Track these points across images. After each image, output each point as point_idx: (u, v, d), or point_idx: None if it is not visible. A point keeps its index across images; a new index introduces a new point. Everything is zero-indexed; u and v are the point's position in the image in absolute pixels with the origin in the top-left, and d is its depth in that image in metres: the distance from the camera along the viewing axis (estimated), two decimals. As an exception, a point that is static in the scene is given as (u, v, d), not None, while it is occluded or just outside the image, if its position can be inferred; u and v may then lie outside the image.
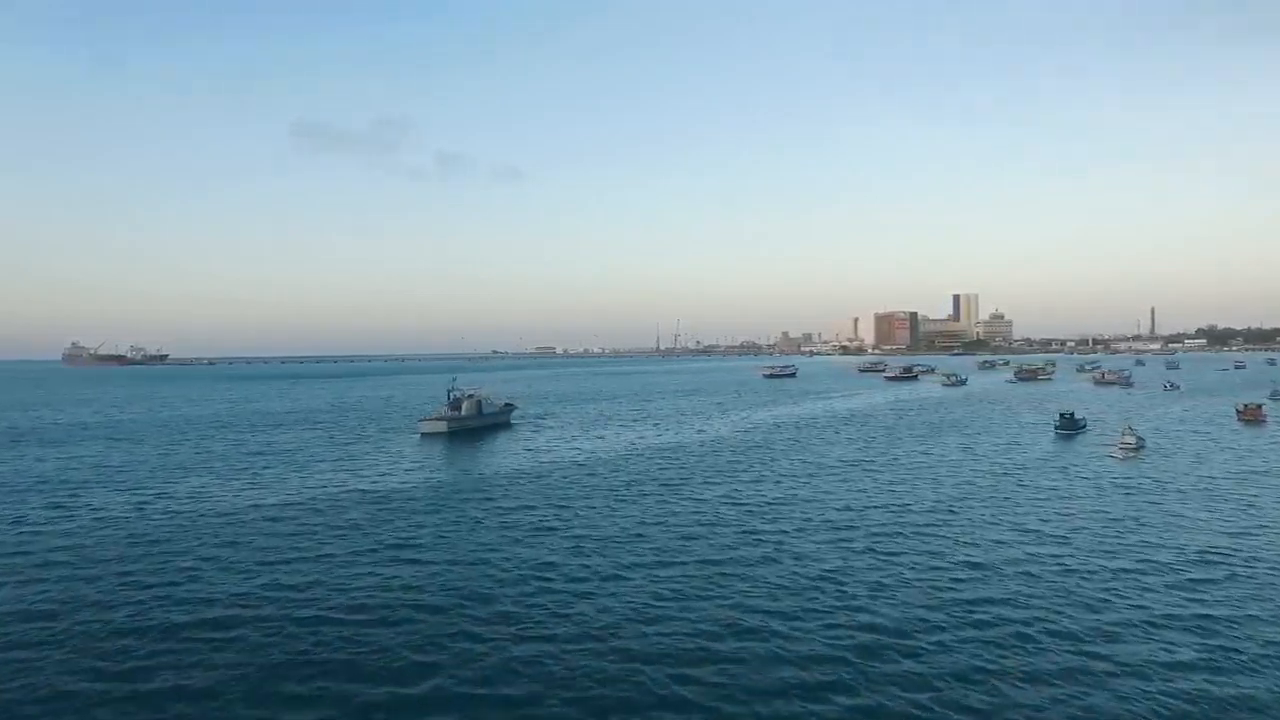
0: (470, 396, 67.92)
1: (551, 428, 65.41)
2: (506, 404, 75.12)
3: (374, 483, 38.27)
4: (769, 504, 31.58)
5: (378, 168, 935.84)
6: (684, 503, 32.05)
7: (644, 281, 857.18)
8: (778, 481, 36.64)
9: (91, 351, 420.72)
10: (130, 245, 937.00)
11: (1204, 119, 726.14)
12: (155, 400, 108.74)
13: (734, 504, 31.55)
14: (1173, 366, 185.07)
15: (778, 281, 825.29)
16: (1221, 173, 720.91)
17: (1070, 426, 55.16)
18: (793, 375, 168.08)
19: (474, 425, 65.79)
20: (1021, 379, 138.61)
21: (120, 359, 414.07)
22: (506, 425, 70.01)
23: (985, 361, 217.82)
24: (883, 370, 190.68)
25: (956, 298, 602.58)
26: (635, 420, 70.29)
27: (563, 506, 32.26)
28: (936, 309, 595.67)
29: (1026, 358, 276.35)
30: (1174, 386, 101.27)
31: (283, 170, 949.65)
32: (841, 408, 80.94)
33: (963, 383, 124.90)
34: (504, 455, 48.81)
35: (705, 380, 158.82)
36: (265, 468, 43.42)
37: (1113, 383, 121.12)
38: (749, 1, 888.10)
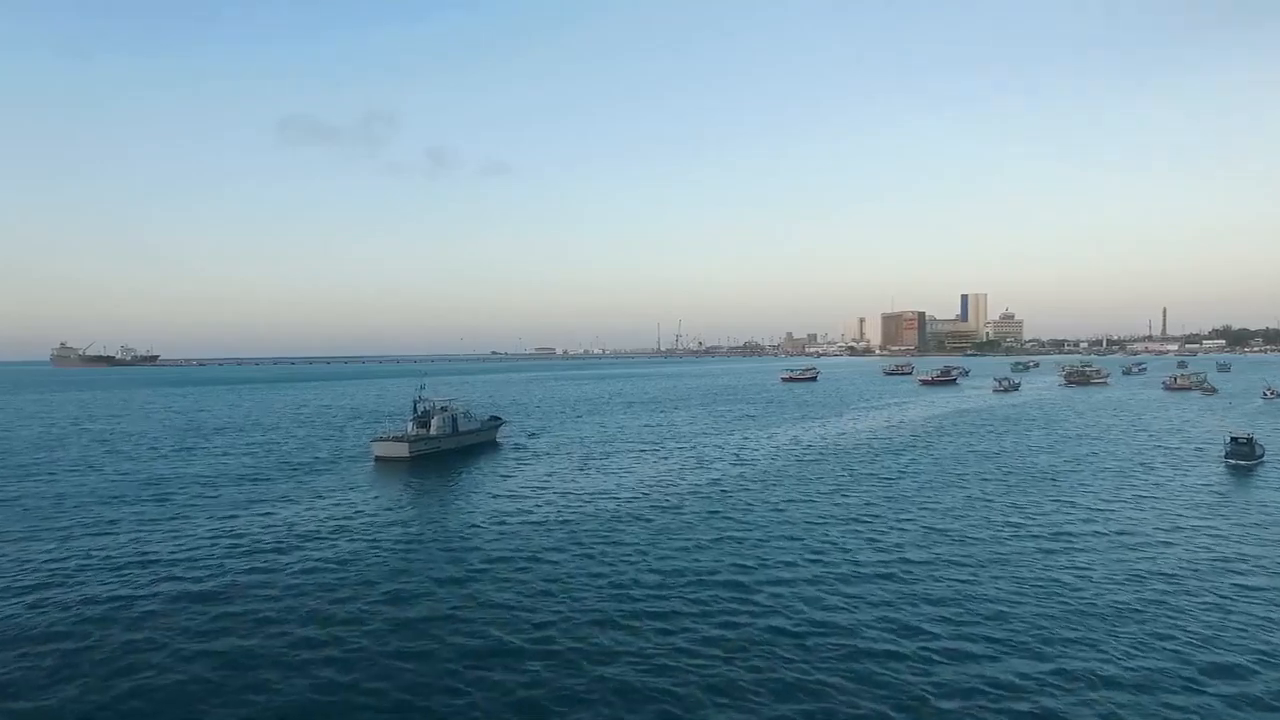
0: (443, 410, 53.35)
1: (547, 451, 50.83)
2: (492, 418, 60.56)
3: (270, 556, 23.73)
4: (923, 656, 16.96)
5: (380, 171, 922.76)
6: (755, 635, 17.42)
7: (644, 282, 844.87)
8: (903, 579, 21.83)
9: (80, 353, 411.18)
10: (127, 246, 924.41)
11: (1208, 117, 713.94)
12: (80, 408, 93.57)
13: (853, 658, 16.83)
14: (1224, 368, 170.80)
15: (779, 282, 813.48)
16: (1228, 171, 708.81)
17: (1248, 456, 40.65)
18: (814, 379, 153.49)
19: (447, 448, 51.28)
20: (1073, 383, 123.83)
21: (109, 360, 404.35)
22: (491, 445, 55.57)
23: (1018, 364, 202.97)
24: (909, 372, 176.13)
25: (965, 297, 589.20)
26: (651, 440, 55.65)
27: (546, 637, 17.59)
28: (942, 309, 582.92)
29: (1058, 358, 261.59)
30: (1277, 395, 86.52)
31: (283, 172, 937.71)
32: (899, 422, 66.26)
33: (1015, 388, 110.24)
34: (479, 499, 34.27)
35: (719, 385, 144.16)
36: (122, 523, 28.89)
37: (1186, 388, 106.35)
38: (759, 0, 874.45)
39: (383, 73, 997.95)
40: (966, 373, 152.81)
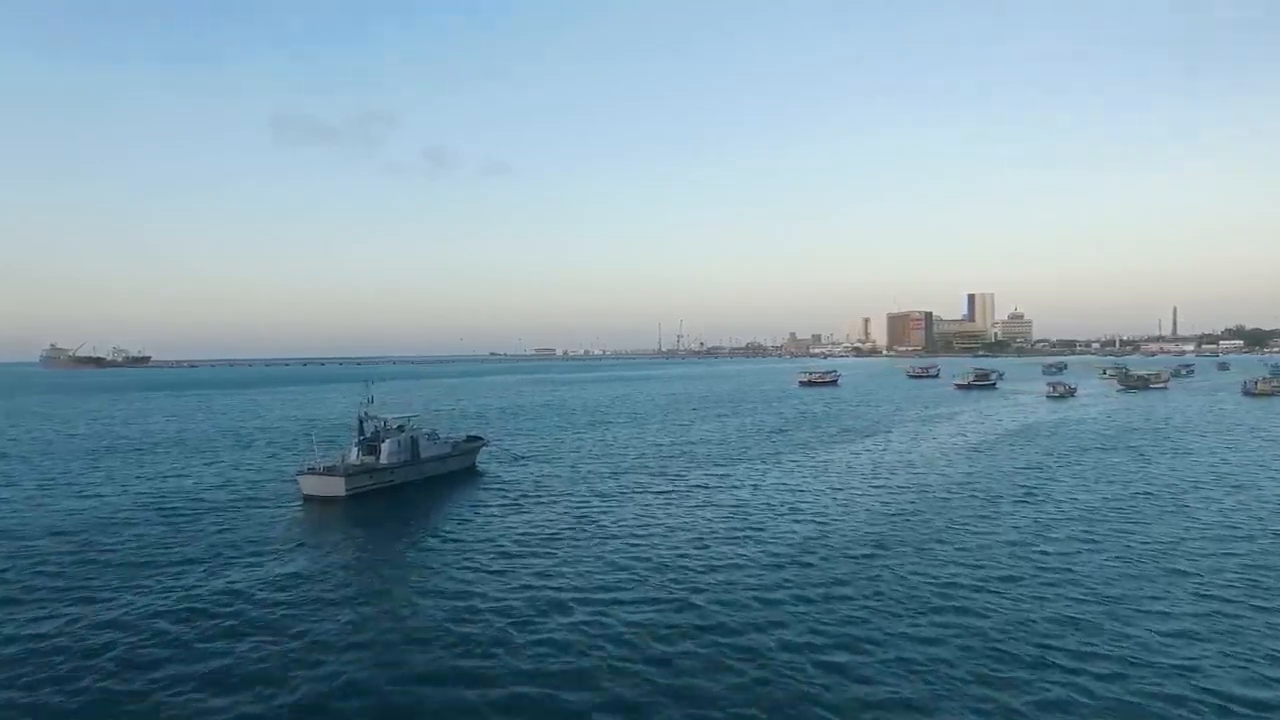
0: (399, 430, 40.82)
1: (536, 487, 38.17)
2: (469, 437, 48.02)
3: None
4: None
5: (380, 171, 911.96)
6: None
7: (644, 282, 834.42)
8: None
9: (70, 354, 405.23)
10: (127, 246, 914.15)
11: (1208, 117, 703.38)
12: (5, 419, 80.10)
13: None
14: (1278, 371, 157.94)
15: (780, 282, 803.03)
16: (1228, 171, 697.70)
17: None
18: (835, 383, 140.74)
19: (403, 480, 38.81)
20: (1131, 387, 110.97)
21: (99, 361, 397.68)
22: (468, 472, 43.36)
23: (1050, 365, 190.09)
24: (936, 375, 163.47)
25: (971, 297, 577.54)
26: (668, 472, 42.98)
27: None
28: (943, 308, 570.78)
29: (1080, 359, 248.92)
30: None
31: (283, 172, 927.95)
32: (974, 442, 53.58)
33: (1070, 394, 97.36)
34: (428, 581, 21.84)
35: (730, 389, 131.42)
36: None
37: (1270, 393, 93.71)
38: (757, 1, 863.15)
39: (382, 73, 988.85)
40: (1001, 375, 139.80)
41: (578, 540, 26.86)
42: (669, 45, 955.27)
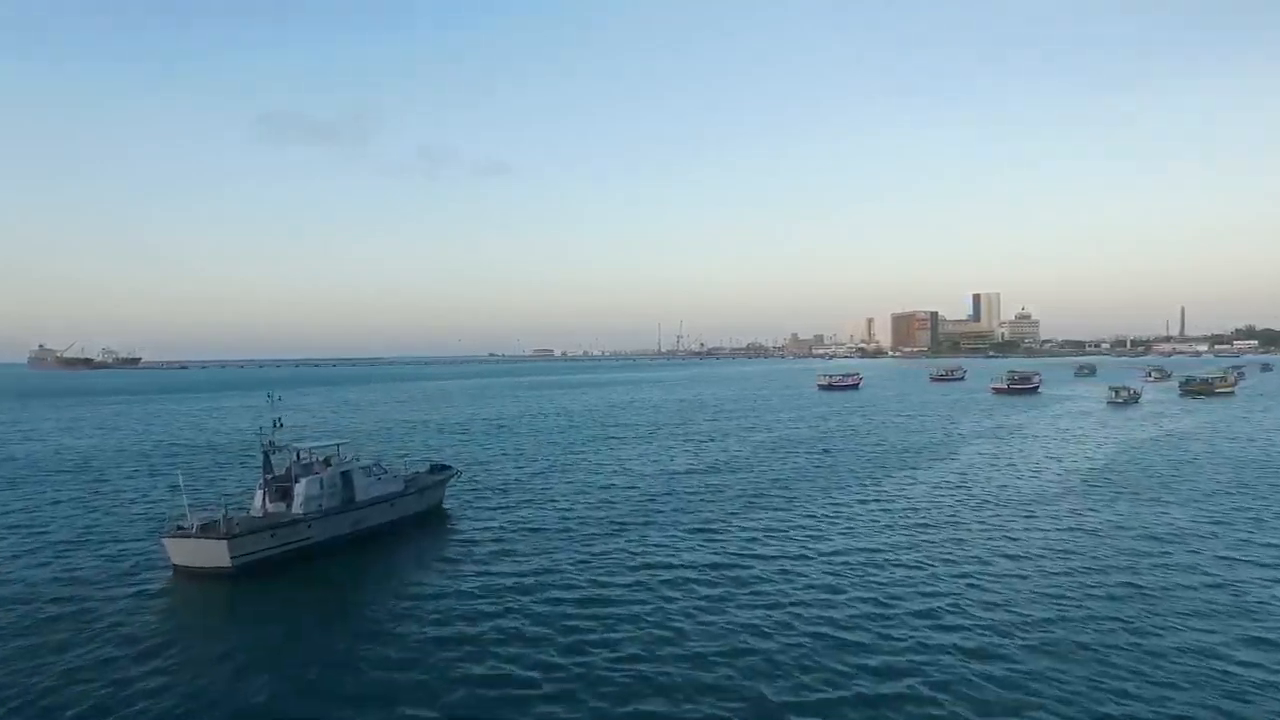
0: (325, 463, 29.39)
1: (518, 546, 26.82)
2: (434, 467, 36.65)
3: None
4: None
5: (380, 171, 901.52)
6: None
7: (644, 282, 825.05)
8: None
9: (58, 354, 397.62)
10: (127, 246, 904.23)
11: (1207, 117, 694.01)
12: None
13: None
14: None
15: (780, 282, 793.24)
16: (1228, 171, 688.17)
17: None
18: (857, 387, 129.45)
19: (328, 535, 27.32)
20: (1194, 393, 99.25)
21: (88, 362, 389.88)
22: (430, 516, 32.15)
23: (1082, 367, 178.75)
24: (962, 378, 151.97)
25: (976, 297, 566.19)
26: (693, 515, 31.65)
27: None
28: (948, 309, 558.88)
29: (1095, 359, 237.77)
30: None
31: (283, 173, 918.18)
32: (1081, 466, 42.44)
33: (1134, 400, 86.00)
34: None
35: (741, 394, 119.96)
36: None
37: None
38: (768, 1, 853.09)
39: (382, 74, 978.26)
40: (1042, 379, 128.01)
41: (568, 678, 15.54)
42: (669, 45, 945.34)
